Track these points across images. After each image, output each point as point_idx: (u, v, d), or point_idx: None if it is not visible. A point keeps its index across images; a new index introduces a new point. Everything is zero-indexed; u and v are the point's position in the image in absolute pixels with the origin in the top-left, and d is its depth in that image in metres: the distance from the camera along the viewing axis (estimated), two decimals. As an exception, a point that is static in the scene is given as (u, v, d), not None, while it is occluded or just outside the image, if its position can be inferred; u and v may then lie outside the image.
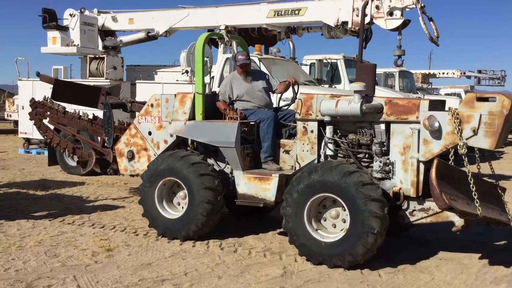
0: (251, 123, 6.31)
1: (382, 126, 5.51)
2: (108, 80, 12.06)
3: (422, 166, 5.20)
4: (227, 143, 5.96)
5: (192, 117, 6.33)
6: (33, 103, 8.42)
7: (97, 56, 12.90)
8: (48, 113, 8.25)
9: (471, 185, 4.96)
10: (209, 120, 6.35)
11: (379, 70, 15.49)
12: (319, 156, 5.75)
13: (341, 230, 5.21)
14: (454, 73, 28.94)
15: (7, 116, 17.76)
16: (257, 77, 6.74)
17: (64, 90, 8.20)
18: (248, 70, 6.66)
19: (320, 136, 5.74)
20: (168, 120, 6.48)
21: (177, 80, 11.86)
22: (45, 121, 8.44)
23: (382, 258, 5.38)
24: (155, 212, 6.23)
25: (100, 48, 13.34)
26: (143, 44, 14.05)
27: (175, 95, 6.55)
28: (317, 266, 5.18)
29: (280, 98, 6.87)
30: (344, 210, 5.15)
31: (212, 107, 6.53)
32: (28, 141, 14.54)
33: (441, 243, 6.04)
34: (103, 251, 5.57)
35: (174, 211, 6.26)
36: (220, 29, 11.63)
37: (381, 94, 11.26)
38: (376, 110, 5.39)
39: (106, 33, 13.57)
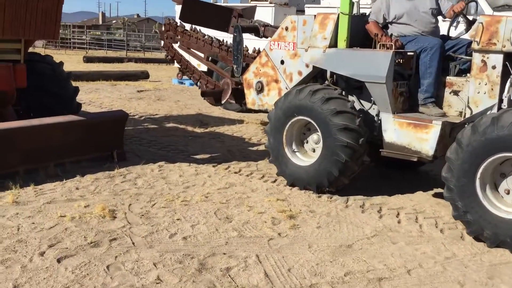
0: (408, 53, 4.98)
1: None
2: (273, 4, 10.71)
3: None
4: (376, 77, 4.75)
5: (333, 43, 5.14)
6: (166, 24, 7.57)
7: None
8: (179, 37, 7.37)
9: None
10: (355, 48, 5.07)
11: None
12: (501, 101, 4.35)
13: None
14: None
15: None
16: None
17: (194, 11, 7.12)
18: None
19: (506, 74, 4.31)
20: (304, 47, 5.34)
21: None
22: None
23: None
24: (283, 158, 5.28)
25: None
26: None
27: (314, 15, 5.30)
28: None
29: (451, 24, 5.14)
30: None
31: (360, 33, 5.22)
32: (182, 71, 14.01)
33: None
34: (284, 218, 4.35)
35: (306, 157, 5.26)
36: None
37: None
38: None
39: None
